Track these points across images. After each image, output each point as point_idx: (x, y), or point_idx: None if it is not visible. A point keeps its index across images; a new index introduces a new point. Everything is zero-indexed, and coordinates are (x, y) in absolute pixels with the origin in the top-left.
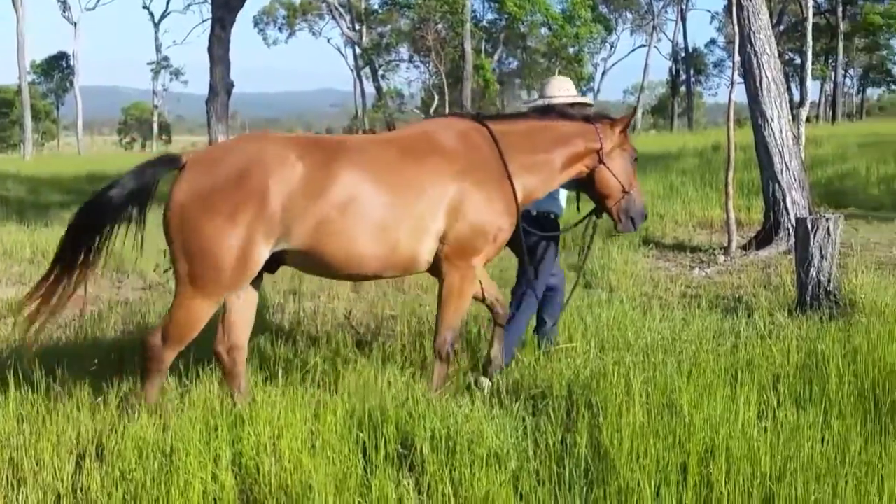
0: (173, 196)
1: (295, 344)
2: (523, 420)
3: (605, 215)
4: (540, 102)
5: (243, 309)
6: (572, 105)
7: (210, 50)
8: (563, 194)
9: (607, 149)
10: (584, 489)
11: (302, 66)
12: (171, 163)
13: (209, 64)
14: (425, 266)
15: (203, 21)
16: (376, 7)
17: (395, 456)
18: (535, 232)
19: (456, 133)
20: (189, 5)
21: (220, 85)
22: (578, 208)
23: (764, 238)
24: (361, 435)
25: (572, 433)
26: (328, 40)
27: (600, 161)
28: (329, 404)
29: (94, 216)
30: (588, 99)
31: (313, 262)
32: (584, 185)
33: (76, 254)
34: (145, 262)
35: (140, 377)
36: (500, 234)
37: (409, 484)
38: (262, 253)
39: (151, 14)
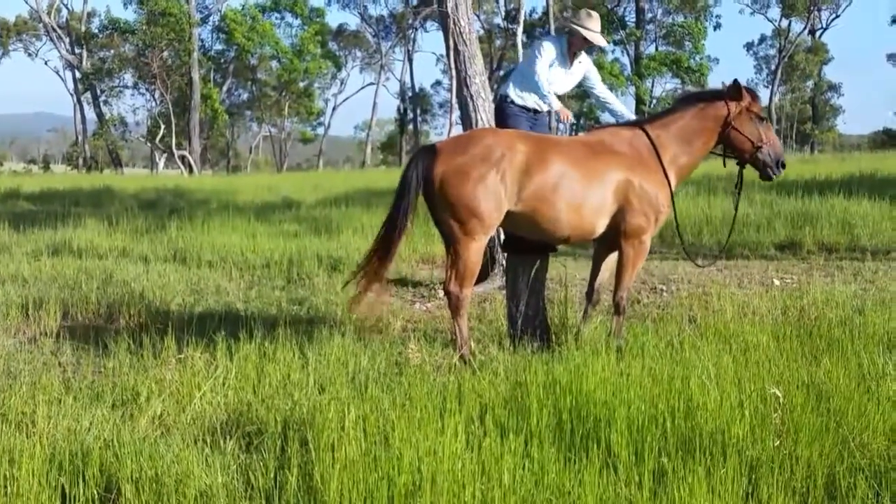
0: (435, 171)
1: None
2: (237, 458)
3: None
4: (578, 31)
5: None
6: (587, 42)
7: None
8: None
9: (734, 113)
10: None
11: (17, 87)
12: (431, 149)
13: None
14: (598, 235)
15: None
16: (96, 31)
17: (98, 500)
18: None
19: (623, 139)
20: None
21: None
22: (724, 164)
23: (481, 274)
24: (62, 479)
25: (284, 470)
26: (45, 62)
27: (729, 124)
28: (27, 447)
29: (399, 191)
30: (604, 43)
31: (526, 221)
32: (723, 143)
33: (394, 221)
34: None
35: (454, 323)
36: (660, 216)
37: None
38: (505, 206)
39: None
